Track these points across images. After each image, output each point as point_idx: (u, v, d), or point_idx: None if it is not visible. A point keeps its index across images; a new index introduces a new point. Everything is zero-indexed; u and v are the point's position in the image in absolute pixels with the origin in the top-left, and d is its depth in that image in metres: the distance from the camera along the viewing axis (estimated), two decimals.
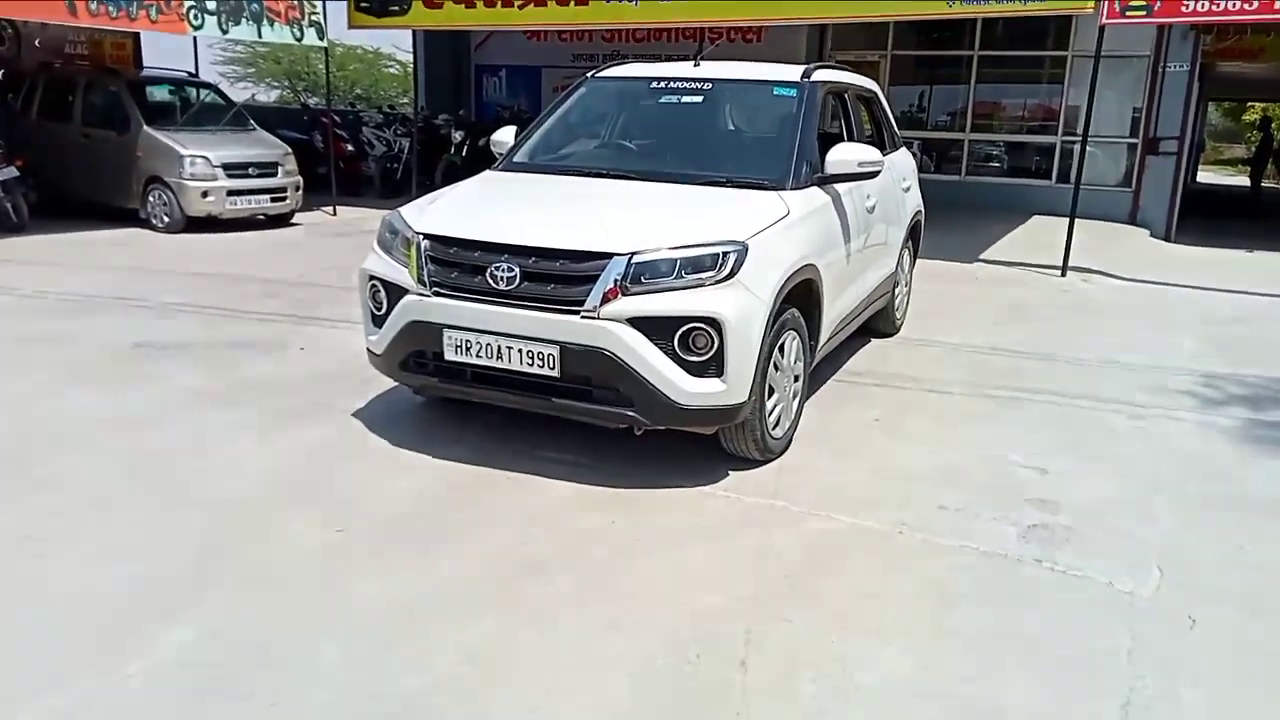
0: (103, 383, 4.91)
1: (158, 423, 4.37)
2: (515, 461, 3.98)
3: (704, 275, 3.57)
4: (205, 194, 10.21)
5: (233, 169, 10.42)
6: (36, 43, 12.41)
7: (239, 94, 33.92)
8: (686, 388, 3.56)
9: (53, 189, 10.90)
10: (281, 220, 11.13)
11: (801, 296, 4.11)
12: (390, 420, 4.45)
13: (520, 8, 11.02)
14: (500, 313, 3.66)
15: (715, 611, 2.87)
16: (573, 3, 10.66)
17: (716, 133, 4.90)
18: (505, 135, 5.03)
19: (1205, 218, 14.79)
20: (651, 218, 3.89)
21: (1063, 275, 8.86)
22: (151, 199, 10.39)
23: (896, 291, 6.11)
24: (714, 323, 3.52)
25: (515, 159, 4.87)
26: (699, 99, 4.84)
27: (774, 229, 3.87)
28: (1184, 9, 7.98)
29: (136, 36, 13.57)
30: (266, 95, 36.32)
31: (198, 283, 7.51)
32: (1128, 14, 8.19)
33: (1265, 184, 21.92)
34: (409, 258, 3.90)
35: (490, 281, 3.68)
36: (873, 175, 4.54)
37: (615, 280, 3.53)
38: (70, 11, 9.12)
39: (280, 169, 10.94)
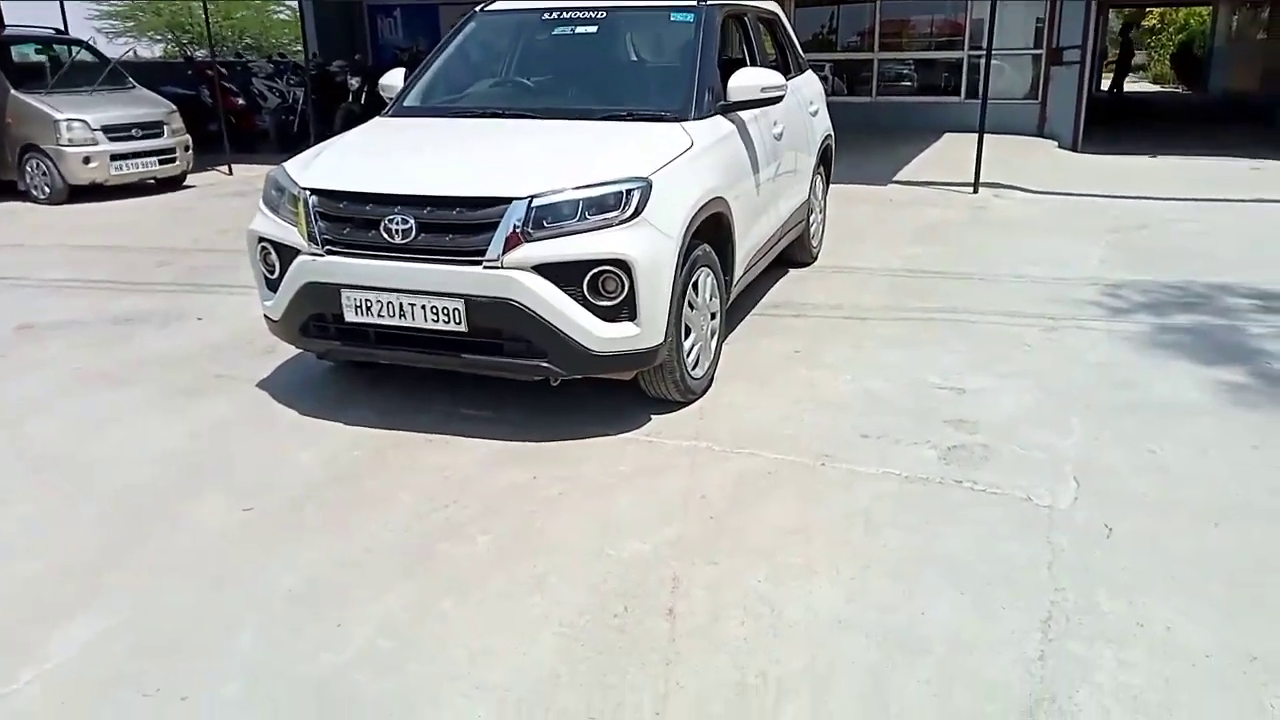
0: None
1: (48, 410, 4.11)
2: (431, 422, 3.85)
3: (609, 215, 3.44)
4: (87, 160, 9.62)
5: (114, 131, 9.83)
6: None
7: (118, 50, 32.20)
8: (599, 333, 3.46)
9: None
10: (173, 183, 10.58)
11: (712, 231, 4.02)
12: (297, 389, 4.26)
13: None
14: (398, 268, 3.49)
15: (641, 560, 2.82)
16: None
17: (614, 64, 4.73)
18: (394, 79, 4.79)
19: (1112, 125, 15.08)
20: (550, 158, 3.73)
21: (975, 192, 8.93)
22: (29, 169, 9.76)
23: (811, 219, 6.06)
24: (622, 264, 3.41)
25: (405, 103, 4.63)
26: (594, 29, 4.65)
27: (678, 162, 3.75)
28: None
29: None
30: (150, 50, 34.47)
31: (84, 256, 7.09)
32: None
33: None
34: (297, 215, 3.69)
35: (385, 235, 3.49)
36: (776, 100, 4.44)
37: (516, 226, 3.38)
38: None
39: (166, 128, 10.37)
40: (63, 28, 12.39)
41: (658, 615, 2.55)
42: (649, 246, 3.47)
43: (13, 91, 9.71)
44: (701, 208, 3.80)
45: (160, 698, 2.31)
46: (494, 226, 3.39)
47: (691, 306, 3.86)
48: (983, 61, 13.72)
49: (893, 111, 14.46)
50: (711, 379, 4.15)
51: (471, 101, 4.62)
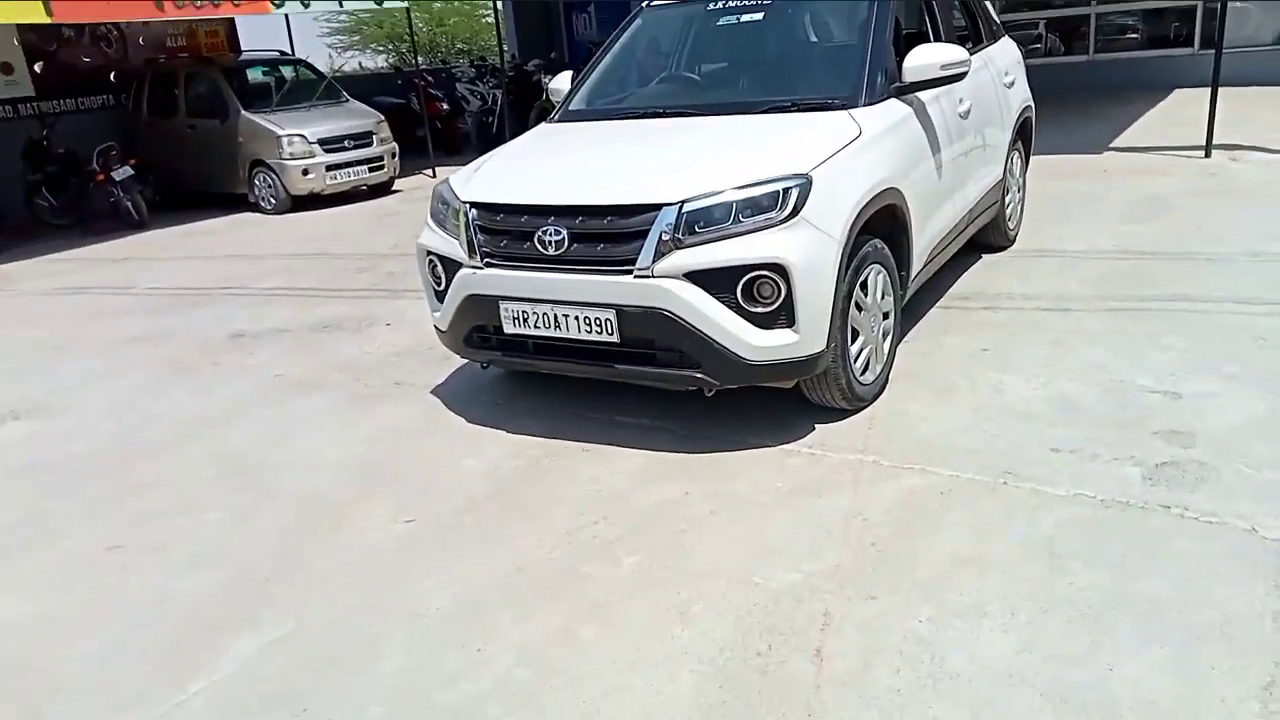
0: (198, 378, 5.02)
1: (246, 416, 4.41)
2: (590, 430, 3.81)
3: (764, 216, 3.25)
4: (306, 172, 10.39)
5: (329, 143, 10.55)
6: (140, 41, 12.84)
7: (349, 63, 34.74)
8: (755, 342, 3.28)
9: (170, 182, 11.34)
10: (382, 189, 11.24)
11: (885, 224, 3.73)
12: (468, 395, 4.35)
13: None
14: (551, 279, 3.46)
15: (791, 591, 2.64)
16: None
17: (781, 51, 4.48)
18: (562, 82, 4.77)
19: None
20: (705, 158, 3.57)
21: (1207, 155, 7.94)
22: (257, 182, 10.67)
23: (1007, 199, 5.55)
24: (779, 269, 3.21)
25: (571, 107, 4.61)
26: (759, 15, 4.43)
27: (843, 154, 3.49)
28: None
29: (231, 22, 13.86)
30: (374, 62, 36.98)
31: (296, 264, 7.64)
32: None
33: None
34: (459, 229, 3.73)
35: (539, 247, 3.47)
36: (959, 78, 4.06)
37: (666, 232, 3.25)
38: (157, 8, 9.32)
39: (375, 138, 11.02)
40: (289, 48, 13.47)
41: (804, 656, 2.37)
42: (807, 248, 3.25)
43: (243, 112, 10.62)
44: (869, 202, 3.52)
45: (306, 718, 2.38)
46: (644, 234, 3.28)
47: (859, 308, 3.60)
48: (1219, 5, 12.40)
49: (1114, 69, 13.19)
50: (884, 384, 3.87)
51: (635, 101, 4.53)
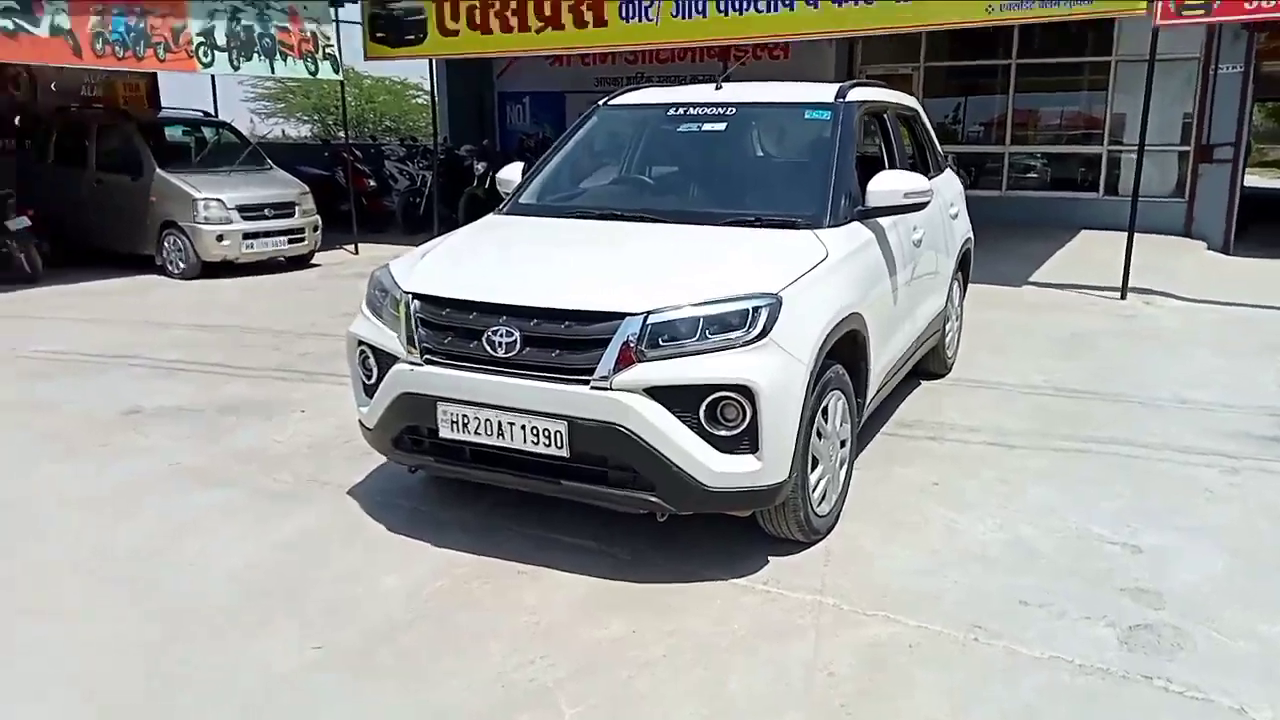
0: (83, 459, 4.52)
1: (133, 508, 3.95)
2: (526, 549, 3.50)
3: (732, 335, 3.07)
4: (220, 238, 9.91)
5: (248, 211, 10.11)
6: (52, 86, 12.27)
7: (271, 131, 34.24)
8: (715, 468, 3.06)
9: (70, 237, 10.68)
10: (300, 261, 10.80)
11: (846, 349, 3.60)
12: (388, 498, 3.99)
13: (538, 32, 10.64)
14: (499, 383, 3.19)
15: None
16: (591, 25, 10.27)
17: (743, 164, 4.42)
18: (511, 173, 4.58)
19: (1262, 224, 14.02)
20: (669, 268, 3.40)
21: (1122, 298, 8.24)
22: (167, 245, 10.12)
23: (947, 328, 5.56)
24: (745, 390, 3.02)
25: (521, 200, 4.42)
26: (722, 126, 4.36)
27: (811, 275, 3.37)
28: (1247, 6, 7.37)
29: (153, 76, 13.41)
30: (297, 130, 36.59)
31: (203, 336, 7.15)
32: (1184, 13, 7.60)
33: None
34: (398, 320, 3.45)
35: (487, 348, 3.21)
36: (921, 207, 4.03)
37: (629, 344, 3.04)
38: (75, 53, 8.89)
39: (297, 209, 10.63)
40: (213, 109, 13.05)
41: None
42: (776, 372, 3.07)
43: (158, 171, 10.13)
44: (836, 326, 3.40)
45: None
46: (604, 343, 3.06)
47: (820, 435, 3.43)
48: (1124, 156, 13.19)
49: (1024, 206, 13.79)
50: (838, 515, 3.68)
51: (590, 201, 4.37)
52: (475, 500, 3.89)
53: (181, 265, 10.03)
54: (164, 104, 13.46)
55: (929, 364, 5.47)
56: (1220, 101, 12.14)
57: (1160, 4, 7.59)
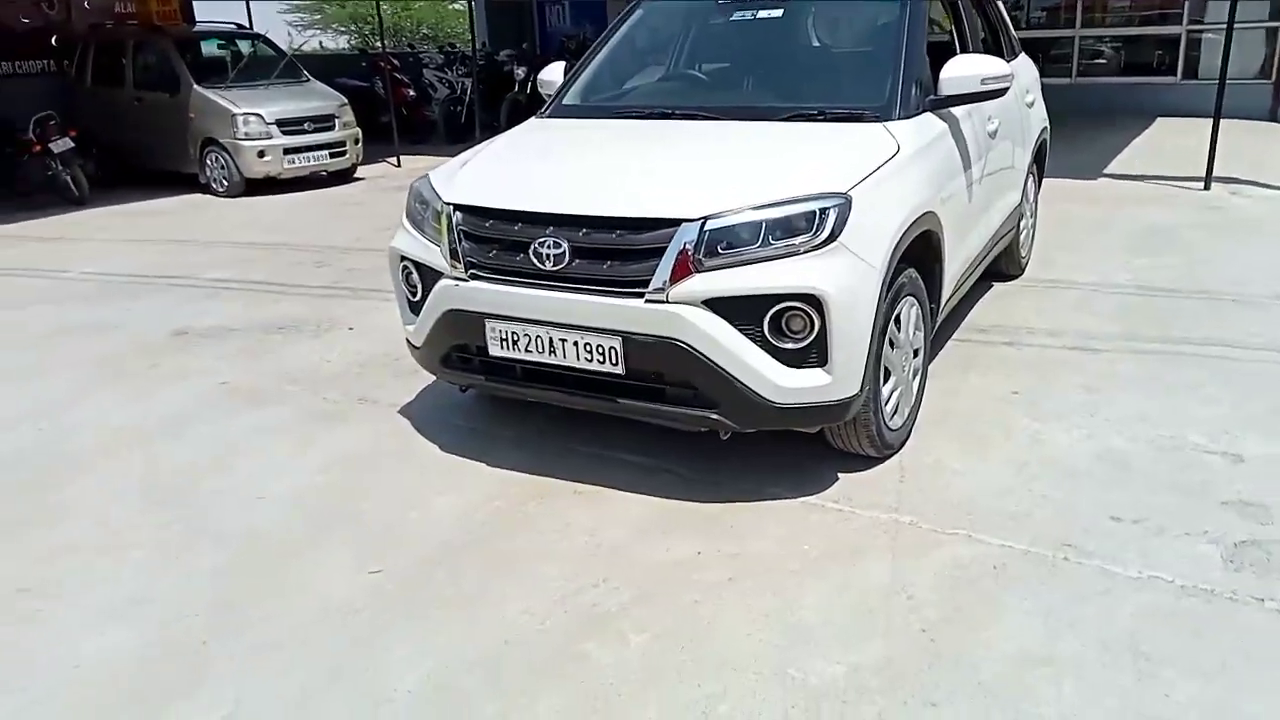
0: (132, 382, 4.47)
1: (184, 431, 3.89)
2: (583, 467, 3.37)
3: (797, 240, 2.83)
4: (261, 154, 9.76)
5: (288, 125, 9.94)
6: (86, 4, 12.04)
7: (309, 42, 33.74)
8: (782, 382, 2.86)
9: (115, 157, 10.63)
10: (343, 176, 10.63)
11: (919, 250, 3.33)
12: (441, 416, 3.88)
13: None
14: (548, 298, 3.00)
15: (833, 688, 2.22)
16: None
17: (803, 54, 4.07)
18: (553, 74, 4.29)
19: None
20: (728, 169, 3.14)
21: (1206, 188, 7.71)
22: (209, 162, 10.01)
23: (1022, 225, 5.22)
24: (813, 300, 2.80)
25: (564, 101, 4.14)
26: (778, 12, 4.02)
27: (882, 172, 3.09)
28: None
29: None
30: (335, 42, 36.01)
31: (249, 254, 7.06)
32: None
33: None
34: (440, 233, 3.26)
35: (535, 260, 3.01)
36: (999, 94, 3.68)
37: (685, 252, 2.82)
38: None
39: (337, 121, 10.42)
40: (247, 22, 12.77)
41: None
42: (846, 278, 2.84)
43: (195, 87, 9.95)
44: (909, 227, 3.13)
45: None
46: (659, 253, 2.84)
47: (892, 344, 3.20)
48: (1207, 36, 12.32)
49: (1096, 94, 13.05)
50: (911, 428, 3.48)
51: (638, 99, 4.08)
52: (530, 416, 3.76)
53: (225, 183, 9.93)
54: (197, 18, 13.18)
55: (1002, 264, 5.15)
56: None
57: None
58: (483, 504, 3.19)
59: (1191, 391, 3.78)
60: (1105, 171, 8.67)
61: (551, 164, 3.51)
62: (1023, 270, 5.45)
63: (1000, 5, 5.25)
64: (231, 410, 4.09)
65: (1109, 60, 13.54)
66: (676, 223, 2.84)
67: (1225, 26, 7.83)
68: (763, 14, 4.05)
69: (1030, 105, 5.17)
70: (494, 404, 3.93)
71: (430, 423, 3.84)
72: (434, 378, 4.06)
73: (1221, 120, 7.74)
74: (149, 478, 3.50)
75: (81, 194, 9.53)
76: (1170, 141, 10.09)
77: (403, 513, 3.17)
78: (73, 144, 9.49)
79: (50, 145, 9.32)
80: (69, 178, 9.50)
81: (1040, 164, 5.58)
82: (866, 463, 3.29)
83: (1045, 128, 5.50)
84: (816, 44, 4.17)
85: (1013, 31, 5.42)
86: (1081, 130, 10.58)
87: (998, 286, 5.23)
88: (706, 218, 2.83)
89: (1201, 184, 7.78)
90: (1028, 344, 4.39)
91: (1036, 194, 5.64)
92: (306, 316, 5.36)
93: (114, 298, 5.96)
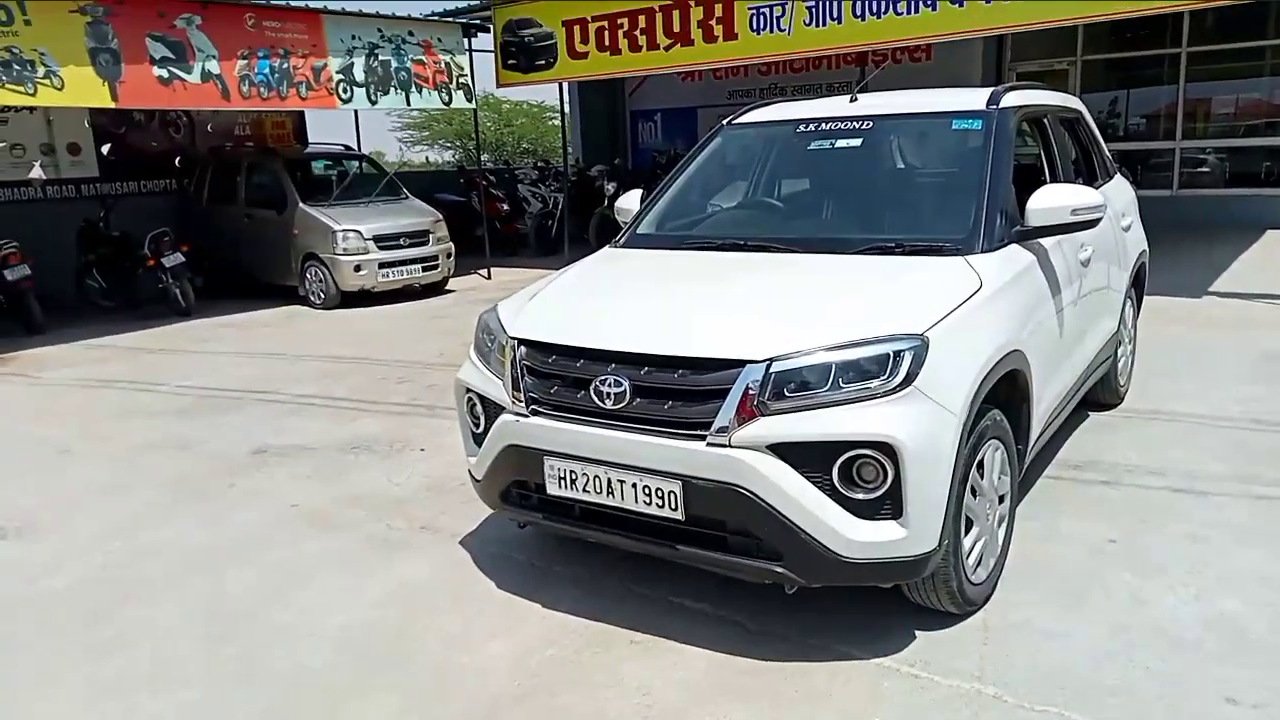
0: (209, 503, 4.51)
1: (249, 556, 3.88)
2: (641, 613, 3.21)
3: (870, 384, 2.69)
4: (358, 268, 10.13)
5: (384, 241, 10.32)
6: (209, 128, 12.92)
7: (417, 157, 35.48)
8: (852, 535, 2.68)
9: (224, 270, 11.19)
10: (434, 288, 10.94)
11: (1004, 390, 3.14)
12: (501, 549, 3.78)
13: (666, 50, 10.45)
14: (606, 437, 2.91)
15: None
16: (721, 39, 9.99)
17: (882, 184, 4.00)
18: (630, 202, 4.31)
19: None
20: (796, 306, 3.04)
21: None
22: (309, 275, 10.43)
23: (1119, 352, 4.94)
24: (886, 448, 2.63)
25: (639, 230, 4.14)
26: (857, 141, 3.95)
27: (963, 311, 2.94)
28: None
29: (300, 113, 13.95)
30: (440, 156, 37.78)
31: (335, 368, 7.22)
32: None
33: None
34: (504, 366, 3.22)
35: (595, 398, 2.93)
36: (1092, 225, 3.51)
37: (750, 395, 2.70)
38: (224, 96, 9.26)
39: (431, 237, 10.77)
40: (355, 140, 13.46)
41: None
42: (922, 425, 2.67)
43: (301, 205, 10.46)
44: (993, 368, 2.95)
45: None
46: (722, 394, 2.73)
47: (974, 492, 2.99)
48: None
49: (1199, 206, 12.60)
50: (997, 581, 3.21)
51: (712, 230, 4.05)
52: (589, 554, 3.62)
53: (322, 295, 10.31)
54: (310, 139, 13.98)
55: (1099, 393, 4.86)
56: None
57: None
58: (536, 650, 3.05)
59: None
60: (1210, 290, 8.27)
61: (617, 299, 3.46)
62: (1121, 399, 5.14)
63: (1091, 123, 5.09)
64: (297, 535, 4.07)
65: (1213, 170, 13.12)
66: (741, 363, 2.73)
67: None
68: (841, 143, 3.99)
69: (1127, 229, 4.96)
70: (554, 539, 3.81)
71: (490, 556, 3.74)
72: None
73: None
74: (211, 608, 3.47)
75: (188, 305, 10.00)
76: None
77: (454, 656, 3.05)
78: (184, 258, 10.02)
79: (163, 259, 9.86)
80: (178, 290, 10.00)
81: (1139, 287, 5.32)
82: (947, 619, 3.04)
83: (1143, 250, 5.26)
84: (897, 173, 4.09)
85: (1106, 152, 5.24)
86: (1183, 245, 10.18)
87: (1094, 417, 4.93)
88: (772, 359, 2.71)
89: None
90: (1127, 484, 4.08)
91: (1135, 319, 5.36)
92: (381, 435, 5.40)
93: (204, 412, 6.13)
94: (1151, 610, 3.06)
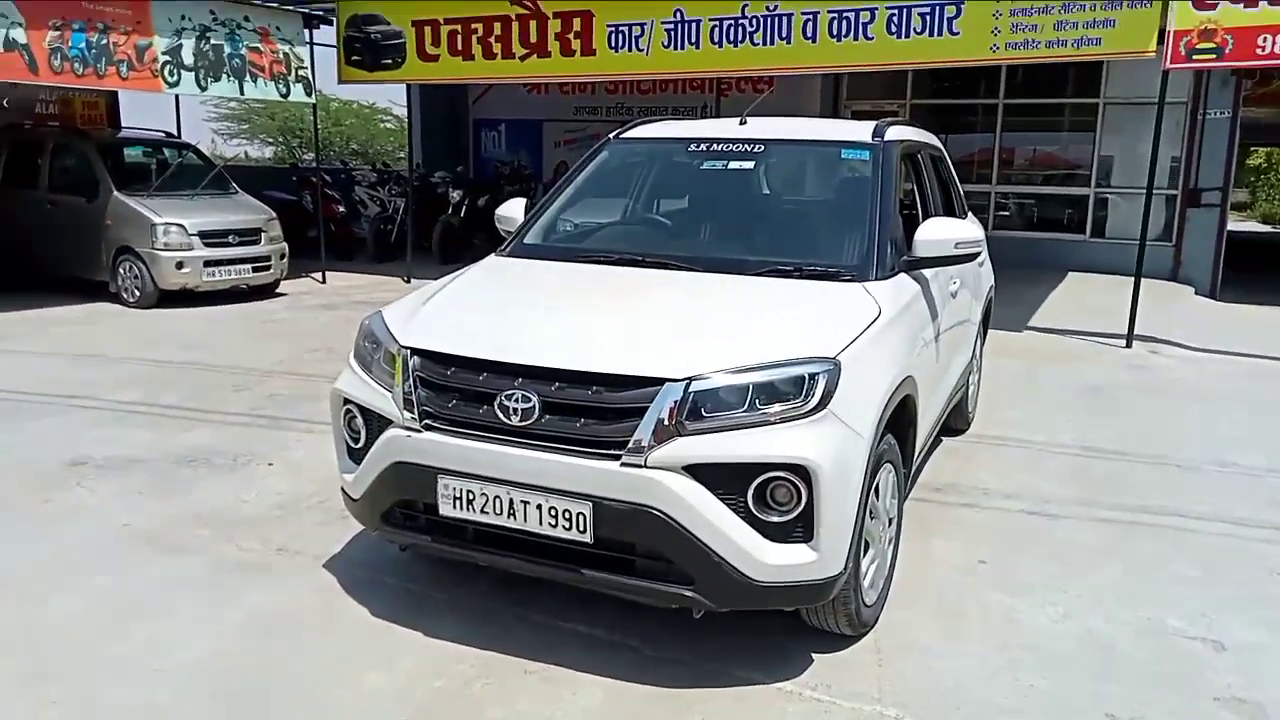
0: (19, 521, 3.98)
1: (74, 582, 3.43)
2: (533, 640, 3.05)
3: (785, 406, 2.66)
4: (180, 265, 9.35)
5: (210, 237, 9.57)
6: (4, 102, 11.64)
7: (233, 152, 33.47)
8: (764, 559, 2.64)
9: (19, 260, 10.07)
10: (265, 290, 10.25)
11: (896, 416, 3.20)
12: (371, 574, 3.52)
13: (522, 60, 10.28)
14: (512, 456, 2.75)
15: None
16: (579, 53, 9.93)
17: (775, 208, 4.05)
18: (513, 210, 4.14)
19: (1240, 268, 13.95)
20: (710, 326, 2.99)
21: (1128, 346, 7.97)
22: (122, 271, 9.52)
23: (971, 380, 5.21)
24: (801, 471, 2.61)
25: (526, 240, 3.99)
26: (750, 164, 3.98)
27: (867, 336, 2.97)
28: (1259, 52, 7.19)
29: (113, 95, 12.84)
30: (260, 152, 35.79)
31: (159, 373, 6.60)
32: (1194, 57, 7.40)
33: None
34: (394, 378, 3.00)
35: (500, 414, 2.77)
36: (972, 258, 3.67)
37: (668, 414, 2.62)
38: (30, 69, 8.34)
39: (264, 236, 10.09)
40: (176, 130, 12.49)
41: None
42: (835, 448, 2.67)
43: (115, 193, 9.56)
44: (894, 393, 3.01)
45: None
46: (639, 413, 2.64)
47: (872, 515, 3.02)
48: (1112, 198, 13.09)
49: (1010, 247, 13.53)
50: (884, 602, 3.27)
51: (605, 243, 3.96)
52: (471, 578, 3.43)
53: (138, 293, 9.44)
54: (124, 123, 12.86)
55: (953, 419, 5.10)
56: (1208, 146, 12.08)
57: (1171, 48, 7.40)
58: (422, 682, 2.84)
59: (1159, 567, 3.70)
60: (1029, 324, 8.93)
61: (520, 308, 3.30)
62: (969, 424, 5.42)
63: (951, 167, 5.36)
64: (133, 558, 3.64)
65: (1023, 215, 14.23)
66: (660, 382, 2.65)
67: (1136, 190, 8.26)
68: (734, 165, 3.99)
69: (981, 264, 5.24)
70: (429, 561, 3.58)
71: (359, 580, 3.47)
72: (361, 528, 3.72)
73: (1126, 278, 8.08)
74: (28, 638, 3.04)
75: None
76: (1085, 297, 10.50)
77: (328, 691, 2.79)
78: None
79: None
80: None
81: (986, 320, 5.63)
82: (841, 641, 3.06)
83: (992, 285, 5.60)
84: (789, 198, 4.14)
85: (961, 191, 5.54)
86: (1002, 281, 10.92)
87: (947, 442, 5.16)
88: (691, 379, 2.65)
89: (1123, 341, 8.04)
90: (986, 506, 4.28)
91: (981, 348, 5.68)
92: (220, 447, 4.95)
93: (4, 416, 5.44)
94: (1027, 630, 3.19)
